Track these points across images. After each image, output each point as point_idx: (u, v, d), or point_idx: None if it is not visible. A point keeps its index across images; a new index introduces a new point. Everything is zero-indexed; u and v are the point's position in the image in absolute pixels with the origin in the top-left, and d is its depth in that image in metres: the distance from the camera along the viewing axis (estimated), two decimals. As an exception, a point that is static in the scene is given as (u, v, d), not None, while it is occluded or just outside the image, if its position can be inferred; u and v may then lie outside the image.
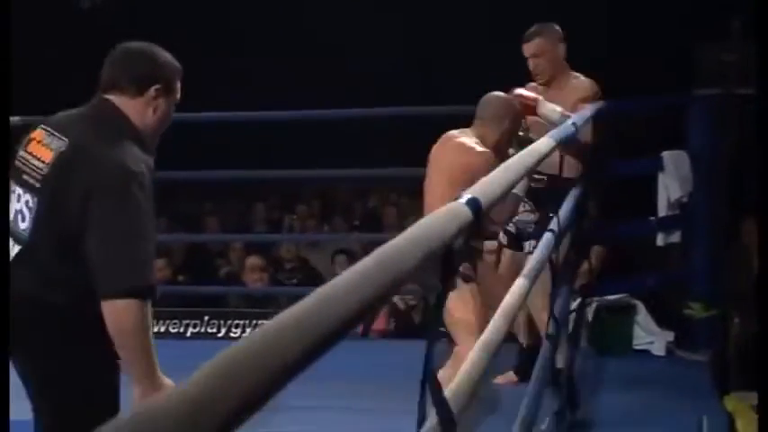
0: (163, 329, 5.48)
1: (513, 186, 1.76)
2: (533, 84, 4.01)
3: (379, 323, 5.58)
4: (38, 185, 2.08)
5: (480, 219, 1.36)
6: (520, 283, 2.37)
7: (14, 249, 2.09)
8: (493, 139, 3.30)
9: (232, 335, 5.41)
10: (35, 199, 2.07)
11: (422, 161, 3.49)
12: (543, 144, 2.42)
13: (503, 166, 1.83)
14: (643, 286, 5.22)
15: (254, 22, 10.39)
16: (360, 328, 5.47)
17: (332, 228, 7.35)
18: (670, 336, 4.96)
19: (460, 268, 3.34)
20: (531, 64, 3.95)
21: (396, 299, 5.52)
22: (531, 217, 3.97)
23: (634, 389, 4.36)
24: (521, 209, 3.84)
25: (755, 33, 3.33)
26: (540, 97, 3.74)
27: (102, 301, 1.99)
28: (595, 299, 4.98)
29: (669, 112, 5.36)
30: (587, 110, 3.68)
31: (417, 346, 4.74)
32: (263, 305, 5.76)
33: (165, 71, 2.19)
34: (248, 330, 5.37)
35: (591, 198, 4.15)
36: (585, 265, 4.48)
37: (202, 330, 5.47)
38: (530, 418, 2.41)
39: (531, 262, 2.66)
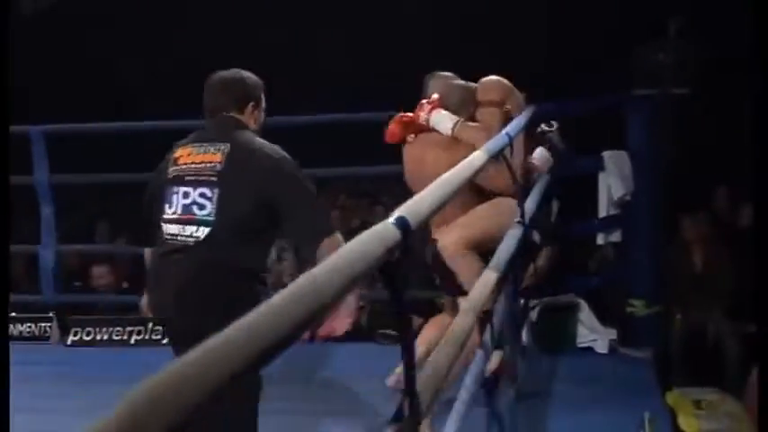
0: (106, 337, 5.43)
1: (443, 203, 1.75)
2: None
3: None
4: (214, 179, 2.67)
5: (408, 238, 1.35)
6: (489, 276, 2.36)
7: (199, 231, 2.65)
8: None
9: (177, 341, 5.37)
10: (214, 190, 2.66)
11: (364, 162, 3.51)
12: (477, 157, 2.43)
13: (436, 182, 1.83)
14: (586, 285, 5.28)
15: (184, 28, 10.31)
16: (307, 334, 5.46)
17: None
18: (613, 333, 5.02)
19: None
20: None
21: (342, 302, 5.52)
22: None
23: (578, 386, 4.41)
24: None
25: (753, 30, 3.35)
26: (433, 111, 3.59)
27: (317, 244, 2.58)
28: (540, 298, 5.03)
29: (609, 112, 5.43)
30: (521, 118, 3.67)
31: (364, 349, 4.79)
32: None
33: (255, 91, 2.87)
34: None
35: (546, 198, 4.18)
36: (532, 266, 4.51)
37: (147, 337, 5.41)
38: (461, 421, 2.41)
39: (498, 253, 2.67)
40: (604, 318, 5.07)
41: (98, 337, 5.43)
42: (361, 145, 4.00)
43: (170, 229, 2.70)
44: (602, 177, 5.13)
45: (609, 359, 4.91)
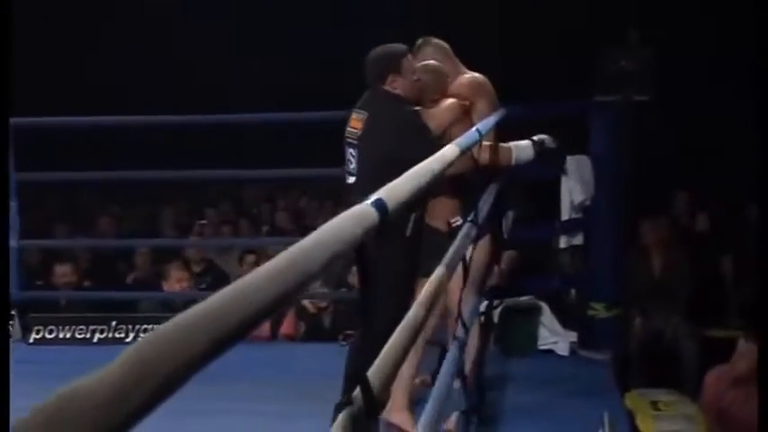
0: (69, 335, 5.40)
1: (419, 193, 1.81)
2: None
3: (288, 327, 5.57)
4: (355, 142, 3.42)
5: (386, 221, 1.40)
6: (438, 272, 2.39)
7: (350, 179, 3.44)
8: None
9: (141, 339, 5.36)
10: (355, 151, 3.40)
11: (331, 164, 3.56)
12: (449, 150, 2.47)
13: (410, 171, 1.88)
14: (547, 288, 5.35)
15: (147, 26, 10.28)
16: (268, 332, 5.47)
17: (239, 231, 7.32)
18: (573, 336, 5.08)
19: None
20: None
21: (305, 302, 5.54)
22: None
23: (539, 388, 4.47)
24: None
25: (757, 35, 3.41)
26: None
27: None
28: (502, 300, 5.08)
29: (571, 117, 5.51)
30: (492, 118, 3.73)
31: (326, 350, 4.79)
32: (175, 310, 5.71)
33: (392, 63, 3.44)
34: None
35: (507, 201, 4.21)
36: (495, 268, 4.55)
37: (110, 336, 5.39)
38: (435, 416, 2.45)
39: (450, 251, 2.70)
40: (565, 320, 5.13)
41: (60, 336, 5.40)
42: (327, 145, 4.03)
43: (348, 179, 3.47)
44: (564, 181, 5.20)
45: (569, 361, 4.97)
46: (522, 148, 3.98)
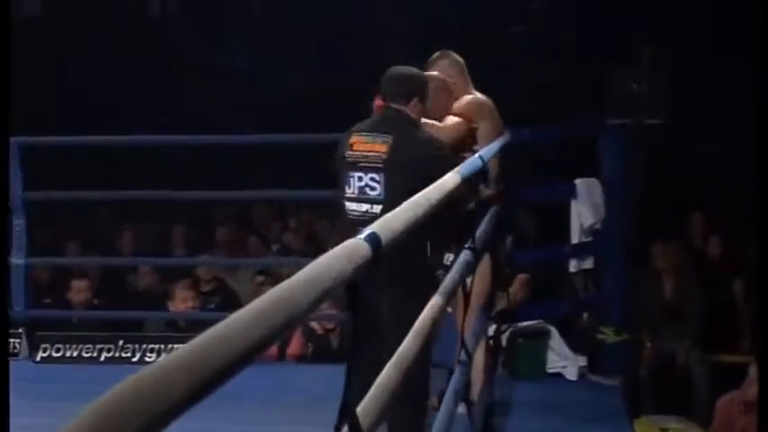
0: (76, 354, 5.39)
1: (417, 223, 1.78)
2: None
3: (295, 347, 5.55)
4: (380, 166, 3.25)
5: (380, 256, 1.37)
6: (434, 301, 2.37)
7: (374, 208, 3.23)
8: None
9: (147, 359, 5.33)
10: (380, 175, 3.25)
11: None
12: (450, 179, 2.44)
13: (408, 202, 1.85)
14: (557, 312, 5.30)
15: (177, 46, 10.34)
16: (275, 352, 5.44)
17: (249, 250, 7.30)
18: (583, 360, 5.04)
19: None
20: None
21: (313, 323, 5.51)
22: None
23: (548, 413, 4.42)
24: None
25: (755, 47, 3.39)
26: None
27: None
28: (510, 324, 5.05)
29: (582, 141, 5.48)
30: (496, 143, 3.72)
31: (333, 371, 4.74)
32: (182, 329, 5.69)
33: (420, 86, 3.37)
34: (164, 355, 5.30)
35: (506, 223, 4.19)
36: (504, 293, 4.52)
37: (117, 355, 5.38)
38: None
39: (448, 278, 2.67)
40: (575, 344, 5.09)
41: (67, 354, 5.38)
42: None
43: (350, 206, 3.32)
44: (574, 205, 5.17)
45: (578, 386, 4.93)
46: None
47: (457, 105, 3.82)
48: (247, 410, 4.29)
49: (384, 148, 3.28)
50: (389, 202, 3.11)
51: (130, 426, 0.72)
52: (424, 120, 3.62)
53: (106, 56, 10.69)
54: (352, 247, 1.30)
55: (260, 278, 6.16)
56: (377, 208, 3.23)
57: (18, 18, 12.71)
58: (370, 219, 3.12)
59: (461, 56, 3.96)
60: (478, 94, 3.90)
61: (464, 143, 3.68)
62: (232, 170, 8.02)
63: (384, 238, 1.43)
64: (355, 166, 3.31)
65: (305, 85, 9.37)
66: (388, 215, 1.62)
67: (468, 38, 8.81)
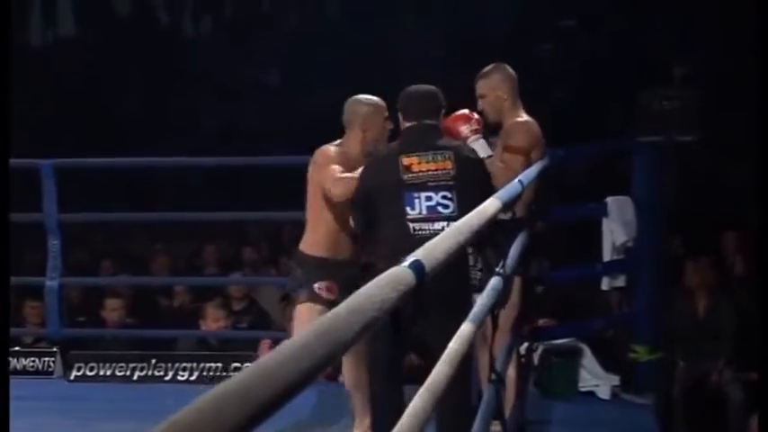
0: (109, 373, 5.43)
1: (460, 250, 1.79)
2: None
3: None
4: (451, 183, 3.31)
5: (424, 283, 1.37)
6: (465, 328, 2.37)
7: (450, 225, 2.97)
8: (354, 143, 3.63)
9: (179, 378, 5.36)
10: (452, 192, 3.30)
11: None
12: (491, 206, 2.44)
13: (450, 229, 1.86)
14: (589, 330, 5.28)
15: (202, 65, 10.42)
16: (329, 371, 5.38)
17: (279, 270, 7.32)
18: (615, 379, 5.01)
19: (315, 285, 3.63)
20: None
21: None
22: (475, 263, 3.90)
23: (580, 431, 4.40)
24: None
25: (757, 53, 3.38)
26: (473, 136, 3.69)
27: None
28: (542, 343, 5.03)
29: (613, 159, 5.46)
30: (536, 167, 3.70)
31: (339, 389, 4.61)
32: (214, 348, 5.72)
33: (442, 101, 3.46)
34: (196, 374, 5.33)
35: (537, 243, 4.18)
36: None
37: (149, 374, 5.41)
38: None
39: (477, 306, 2.67)
40: (607, 363, 5.06)
41: (101, 373, 5.43)
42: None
43: (416, 226, 3.28)
44: (605, 223, 5.14)
45: (611, 405, 4.90)
46: None
47: (513, 137, 3.79)
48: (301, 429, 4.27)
49: (450, 165, 3.34)
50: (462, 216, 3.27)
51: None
52: (498, 163, 3.69)
53: (138, 75, 10.80)
54: (396, 275, 1.31)
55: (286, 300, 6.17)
56: (449, 225, 3.25)
57: (53, 38, 12.89)
58: None
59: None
60: (527, 117, 3.86)
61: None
62: (263, 189, 8.06)
63: (428, 265, 1.44)
64: (423, 186, 3.32)
65: (337, 104, 9.42)
66: (431, 242, 1.63)
67: (498, 56, 8.80)
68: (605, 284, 5.24)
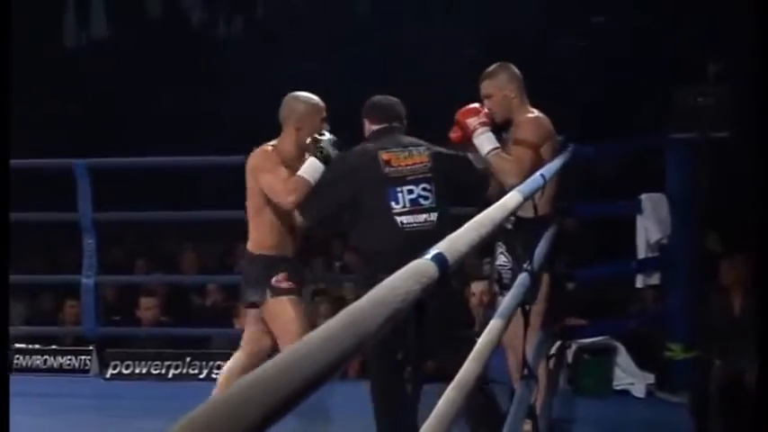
0: (144, 371, 5.48)
1: (480, 244, 1.79)
2: None
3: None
4: (429, 175, 3.44)
5: (446, 275, 1.38)
6: (494, 324, 2.37)
7: (431, 216, 3.43)
8: (288, 139, 3.65)
9: (214, 376, 5.39)
10: (431, 184, 3.44)
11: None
12: (512, 199, 2.43)
13: (472, 222, 1.86)
14: (623, 328, 5.24)
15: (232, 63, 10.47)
16: (357, 368, 5.41)
17: (311, 269, 7.34)
18: (650, 377, 4.97)
19: (273, 280, 3.64)
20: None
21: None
22: (507, 260, 3.88)
23: (614, 431, 4.37)
24: (498, 251, 3.84)
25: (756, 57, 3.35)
26: (480, 128, 3.68)
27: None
28: (576, 341, 5.00)
29: (647, 155, 5.42)
30: (558, 161, 3.69)
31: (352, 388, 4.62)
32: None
33: (405, 111, 3.62)
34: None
35: (565, 240, 4.16)
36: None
37: (184, 372, 5.45)
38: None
39: (504, 302, 2.67)
40: (642, 361, 5.02)
41: (136, 371, 5.47)
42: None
43: (403, 219, 3.41)
44: (639, 220, 5.10)
45: (646, 403, 4.86)
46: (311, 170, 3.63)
47: (523, 131, 3.75)
48: (313, 428, 4.30)
49: (426, 159, 3.50)
50: (441, 209, 3.47)
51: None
52: (506, 155, 3.67)
53: (169, 75, 10.88)
54: (419, 268, 1.31)
55: (318, 297, 6.20)
56: (433, 215, 3.44)
57: (86, 39, 13.02)
58: (429, 227, 3.42)
59: (521, 70, 3.92)
60: (537, 113, 3.82)
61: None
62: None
63: (450, 258, 1.44)
64: (403, 180, 3.46)
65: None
66: (454, 235, 1.63)
67: (529, 53, 8.78)
68: (640, 282, 5.20)
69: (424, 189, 3.46)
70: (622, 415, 4.63)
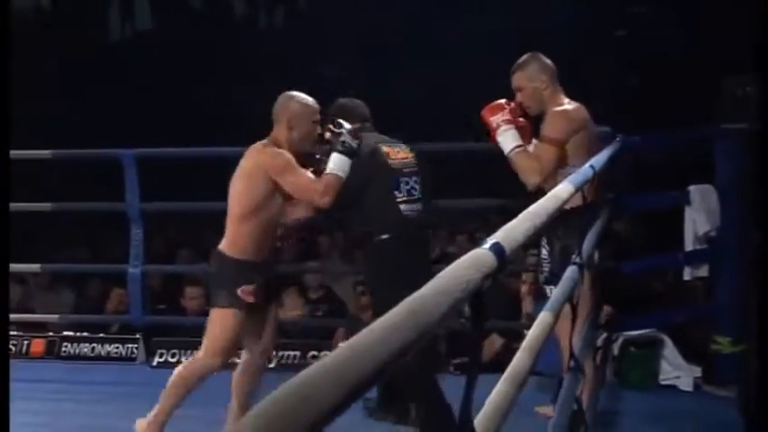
0: (173, 360, 5.53)
1: (535, 234, 1.79)
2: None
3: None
4: (416, 169, 3.75)
5: (504, 264, 1.38)
6: (544, 317, 2.36)
7: (419, 206, 3.72)
8: (281, 137, 3.59)
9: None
10: (418, 177, 3.73)
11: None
12: (563, 190, 2.42)
13: (526, 212, 1.86)
14: (670, 321, 5.19)
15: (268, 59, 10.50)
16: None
17: (354, 258, 7.36)
18: (697, 371, 4.92)
19: (239, 290, 3.61)
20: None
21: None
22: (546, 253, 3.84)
23: (661, 424, 4.34)
24: (543, 242, 3.81)
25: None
26: (503, 126, 3.63)
27: None
28: (622, 333, 4.96)
29: (696, 146, 5.35)
30: (607, 150, 3.65)
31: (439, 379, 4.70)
32: (291, 336, 5.78)
33: None
34: (275, 362, 5.39)
35: (612, 232, 4.12)
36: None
37: (229, 360, 5.47)
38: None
39: (555, 294, 2.66)
40: (689, 355, 4.97)
41: (182, 360, 5.51)
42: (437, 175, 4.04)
43: (404, 208, 3.68)
44: (688, 212, 5.05)
45: (693, 397, 4.82)
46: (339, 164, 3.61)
47: (548, 127, 3.66)
48: (356, 417, 4.32)
49: (411, 154, 3.80)
50: (425, 201, 3.77)
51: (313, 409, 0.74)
52: (529, 153, 3.65)
53: (212, 66, 10.94)
54: (478, 257, 1.31)
55: (361, 287, 6.21)
56: (420, 206, 3.73)
57: (131, 32, 13.14)
58: (419, 216, 3.72)
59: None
60: (567, 104, 3.71)
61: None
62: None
63: (507, 247, 1.44)
64: (401, 171, 3.73)
65: (405, 96, 9.43)
66: (509, 225, 1.63)
67: (569, 44, 8.72)
68: (687, 274, 5.14)
69: (414, 181, 3.73)
70: (669, 408, 4.59)
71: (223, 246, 3.63)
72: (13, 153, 5.93)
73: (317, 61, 10.67)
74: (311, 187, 3.50)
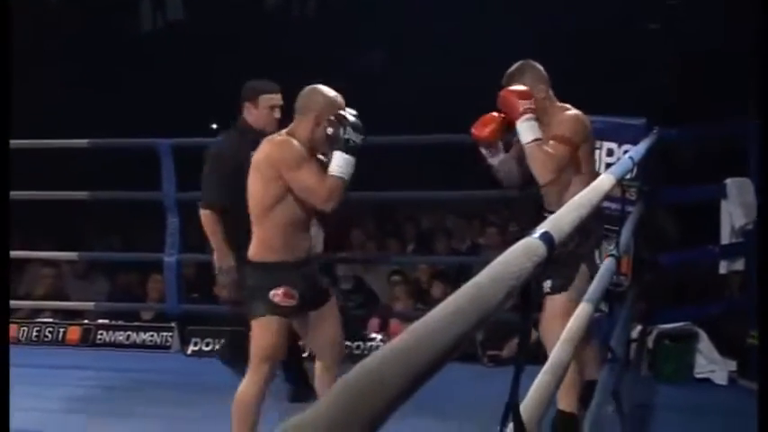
0: (207, 348, 5.58)
1: (582, 223, 1.80)
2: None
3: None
4: None
5: (553, 254, 1.39)
6: (583, 308, 2.37)
7: None
8: (304, 131, 3.30)
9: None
10: None
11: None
12: (605, 181, 2.44)
13: (571, 203, 1.87)
14: (706, 314, 5.16)
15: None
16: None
17: (387, 249, 7.38)
18: (732, 365, 4.90)
19: (270, 294, 3.30)
20: None
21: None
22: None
23: (695, 418, 4.32)
24: None
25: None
26: (527, 114, 3.40)
27: None
28: (657, 326, 4.95)
29: (733, 139, 5.31)
30: (644, 142, 3.63)
31: (471, 371, 4.67)
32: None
33: None
34: (308, 351, 5.41)
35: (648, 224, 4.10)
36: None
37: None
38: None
39: (593, 286, 2.66)
40: (724, 348, 4.95)
41: (216, 348, 5.57)
42: (468, 167, 4.03)
43: None
44: (724, 205, 5.02)
45: (727, 391, 4.79)
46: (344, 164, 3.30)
47: (562, 128, 3.49)
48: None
49: None
50: None
51: (359, 422, 0.75)
52: (547, 148, 3.44)
53: (245, 57, 10.97)
54: (529, 246, 1.33)
55: (396, 277, 6.23)
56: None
57: (163, 23, 13.21)
58: None
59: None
60: (575, 110, 3.57)
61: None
62: (368, 171, 8.12)
63: (556, 237, 1.46)
64: None
65: (440, 85, 9.42)
66: (556, 215, 1.65)
67: (606, 36, 8.69)
68: (723, 268, 5.12)
69: None
70: (704, 401, 4.57)
71: (249, 253, 3.36)
72: (48, 142, 6.01)
73: (349, 51, 10.68)
74: (316, 191, 3.22)
